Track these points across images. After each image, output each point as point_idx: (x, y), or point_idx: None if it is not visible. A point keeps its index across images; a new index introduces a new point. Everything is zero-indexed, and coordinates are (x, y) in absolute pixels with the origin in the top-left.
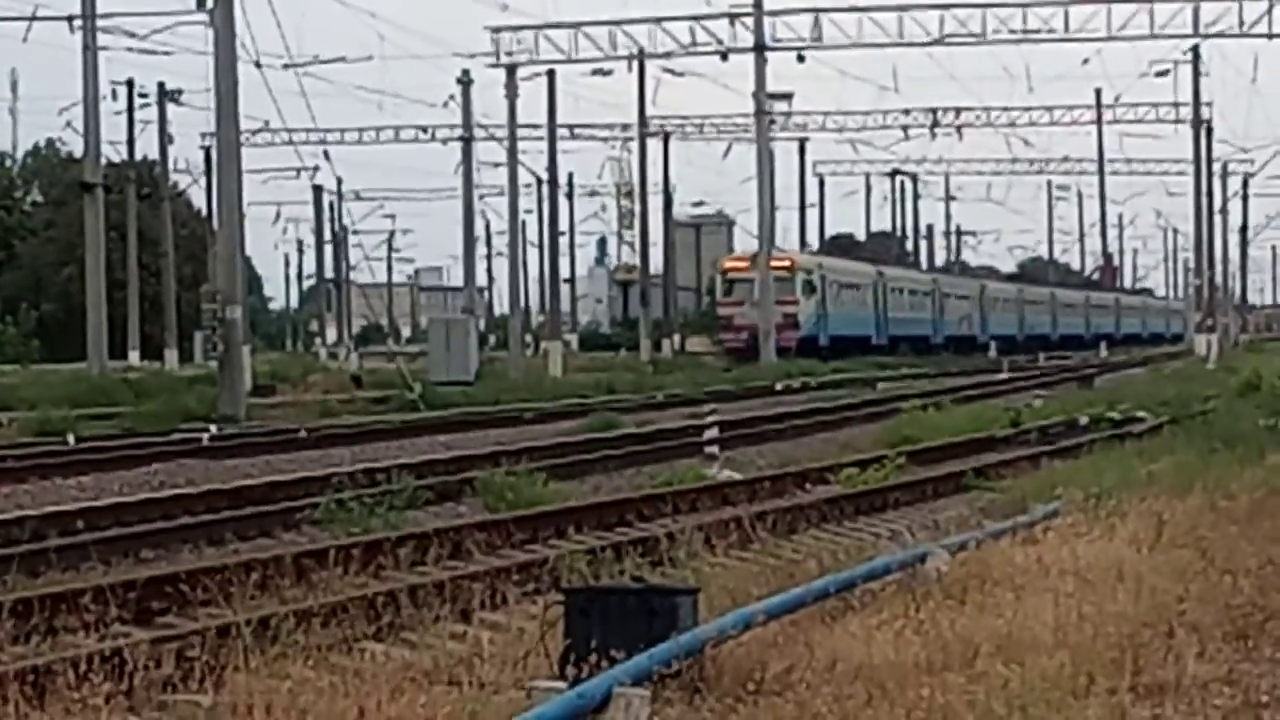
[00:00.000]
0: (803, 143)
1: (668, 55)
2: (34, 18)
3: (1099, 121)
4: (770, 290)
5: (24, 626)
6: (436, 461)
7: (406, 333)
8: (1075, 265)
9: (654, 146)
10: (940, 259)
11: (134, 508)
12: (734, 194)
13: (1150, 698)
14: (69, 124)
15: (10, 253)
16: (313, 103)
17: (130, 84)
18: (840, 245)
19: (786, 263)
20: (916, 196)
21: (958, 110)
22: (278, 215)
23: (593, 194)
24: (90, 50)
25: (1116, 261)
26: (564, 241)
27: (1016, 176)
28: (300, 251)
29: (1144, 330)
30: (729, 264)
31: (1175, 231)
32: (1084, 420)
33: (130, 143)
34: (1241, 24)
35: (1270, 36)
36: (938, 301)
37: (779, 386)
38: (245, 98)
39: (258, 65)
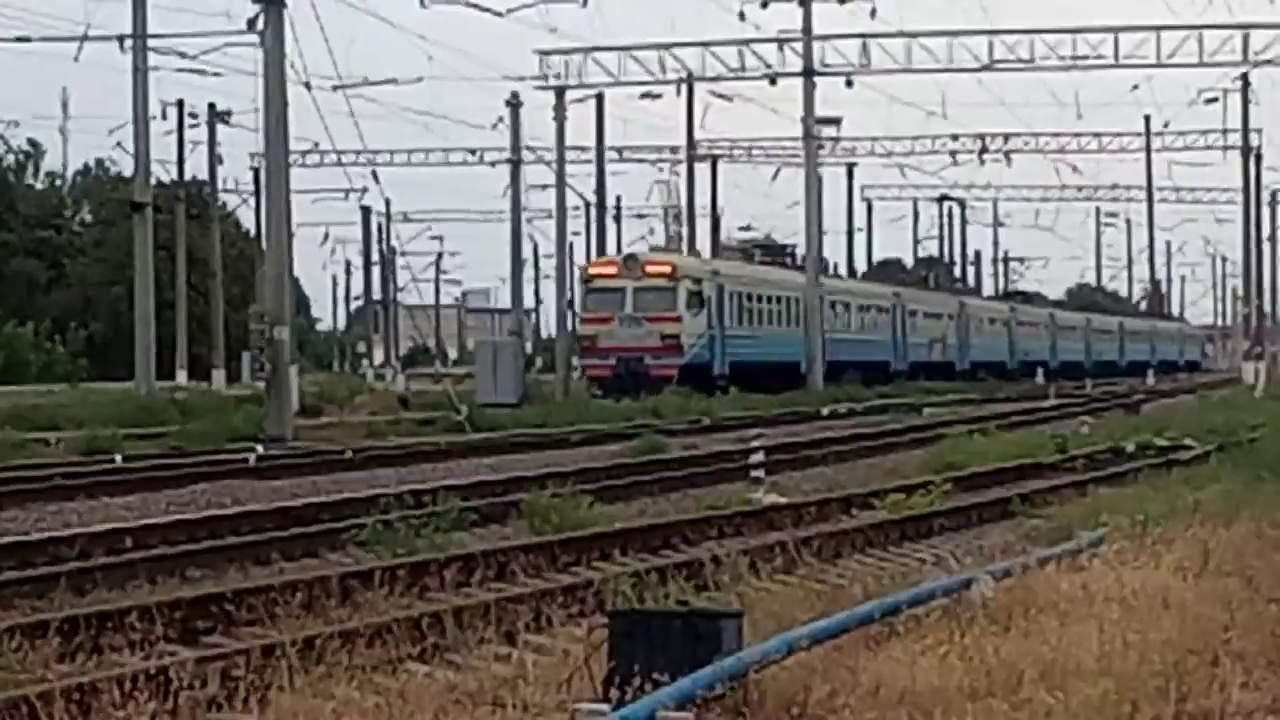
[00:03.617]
0: (851, 167)
1: (716, 79)
2: (85, 38)
3: (1148, 149)
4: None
5: (70, 645)
6: (482, 483)
7: (453, 354)
8: (1124, 292)
9: (702, 170)
10: (989, 285)
11: (180, 527)
12: (782, 218)
13: None
14: (119, 144)
15: (60, 272)
16: (362, 124)
17: (180, 104)
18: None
19: (665, 268)
20: (964, 222)
21: (1006, 136)
22: (326, 236)
23: (640, 217)
24: (141, 70)
25: (1165, 289)
26: None
27: (1065, 203)
28: (348, 272)
29: (1152, 357)
30: (594, 270)
31: (1224, 259)
32: (1130, 447)
33: (180, 163)
34: None
35: None
36: (900, 321)
37: (825, 411)
38: (295, 119)
39: (307, 86)
